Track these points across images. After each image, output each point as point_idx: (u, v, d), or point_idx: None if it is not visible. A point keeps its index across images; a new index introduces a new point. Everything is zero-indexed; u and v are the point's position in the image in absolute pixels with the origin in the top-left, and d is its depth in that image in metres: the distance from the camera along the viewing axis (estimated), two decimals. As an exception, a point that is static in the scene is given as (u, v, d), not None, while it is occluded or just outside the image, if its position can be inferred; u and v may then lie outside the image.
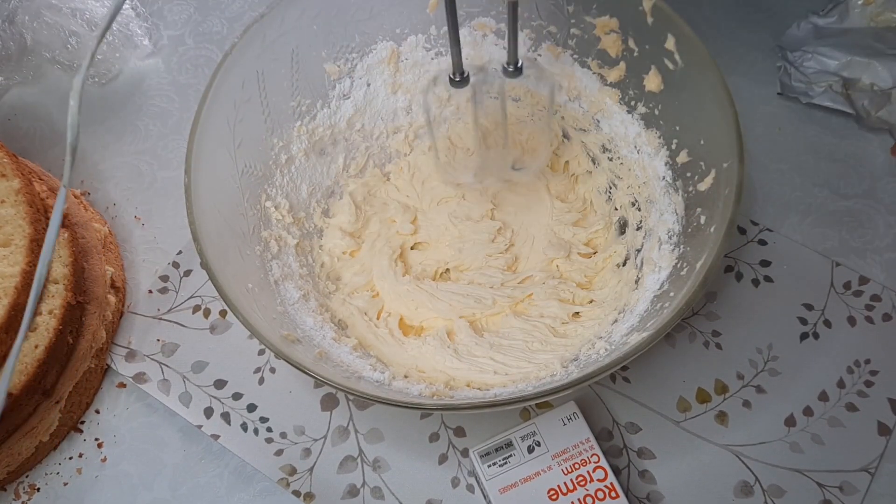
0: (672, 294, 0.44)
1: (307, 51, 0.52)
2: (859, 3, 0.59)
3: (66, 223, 0.52)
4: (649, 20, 0.46)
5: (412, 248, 0.56)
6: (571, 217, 0.56)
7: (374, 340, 0.51)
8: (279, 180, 0.53)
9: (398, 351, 0.51)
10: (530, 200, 0.57)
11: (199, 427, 0.51)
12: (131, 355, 0.54)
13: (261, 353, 0.54)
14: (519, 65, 0.47)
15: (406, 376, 0.49)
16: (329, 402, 0.52)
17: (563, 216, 0.56)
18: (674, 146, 0.49)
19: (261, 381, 0.53)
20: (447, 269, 0.55)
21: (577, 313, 0.52)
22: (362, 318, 0.52)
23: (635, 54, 0.49)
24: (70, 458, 0.51)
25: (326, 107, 0.55)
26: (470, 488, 0.49)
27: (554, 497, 0.45)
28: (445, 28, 0.54)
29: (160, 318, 0.55)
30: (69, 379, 0.50)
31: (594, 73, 0.53)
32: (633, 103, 0.51)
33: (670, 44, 0.46)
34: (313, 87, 0.53)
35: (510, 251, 0.55)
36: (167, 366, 0.53)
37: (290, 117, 0.53)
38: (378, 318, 0.53)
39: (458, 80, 0.47)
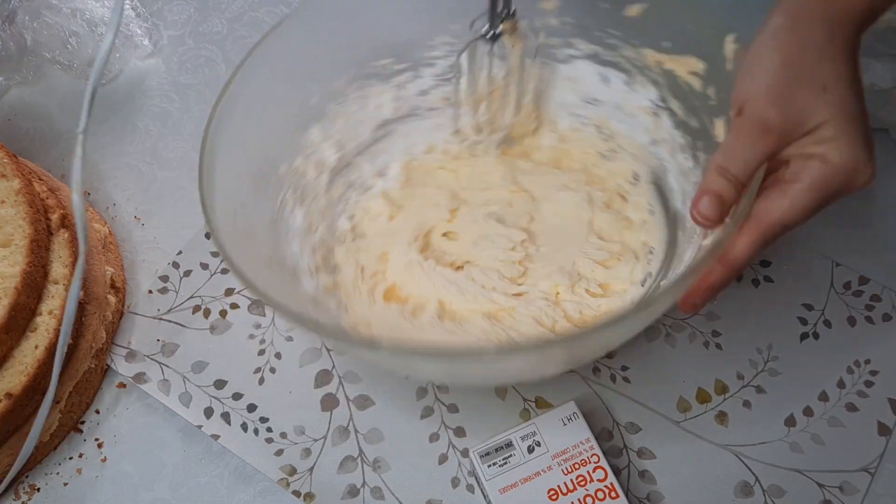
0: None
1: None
2: (859, 3, 0.59)
3: (65, 223, 0.52)
4: (729, 67, 0.44)
5: (443, 236, 0.56)
6: (601, 255, 0.53)
7: (351, 290, 0.52)
8: (338, 122, 0.54)
9: (366, 306, 0.51)
10: (569, 226, 0.55)
11: (199, 427, 0.51)
12: (131, 355, 0.54)
13: (261, 353, 0.54)
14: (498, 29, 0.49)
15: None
16: (329, 403, 0.52)
17: (593, 252, 0.53)
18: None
19: (261, 381, 0.53)
20: (466, 263, 0.54)
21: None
22: (356, 269, 0.53)
23: (711, 102, 0.47)
24: (70, 459, 0.51)
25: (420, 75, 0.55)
26: (470, 488, 0.49)
27: (554, 497, 0.45)
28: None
29: (160, 319, 0.55)
30: (69, 379, 0.50)
31: (674, 118, 0.51)
32: (699, 156, 0.49)
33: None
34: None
35: (522, 263, 0.54)
36: (167, 366, 0.53)
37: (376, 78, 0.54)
38: (369, 276, 0.53)
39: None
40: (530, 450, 0.46)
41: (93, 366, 0.52)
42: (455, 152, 0.58)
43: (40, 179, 0.55)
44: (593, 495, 0.45)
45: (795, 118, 0.37)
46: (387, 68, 0.54)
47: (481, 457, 0.46)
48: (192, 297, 0.56)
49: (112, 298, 0.54)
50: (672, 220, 0.53)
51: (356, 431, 0.51)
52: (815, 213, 0.39)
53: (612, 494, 0.45)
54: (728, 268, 0.39)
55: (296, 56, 0.49)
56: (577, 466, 0.46)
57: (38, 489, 0.50)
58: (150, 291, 0.56)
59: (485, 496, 0.47)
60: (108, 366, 0.54)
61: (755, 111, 0.38)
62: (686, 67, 0.48)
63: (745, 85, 0.39)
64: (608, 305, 0.51)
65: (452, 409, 0.51)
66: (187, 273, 0.57)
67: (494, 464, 0.46)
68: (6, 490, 0.50)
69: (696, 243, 0.47)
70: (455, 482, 0.49)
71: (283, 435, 0.51)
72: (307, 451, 0.50)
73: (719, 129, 0.47)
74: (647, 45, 0.50)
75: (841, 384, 0.51)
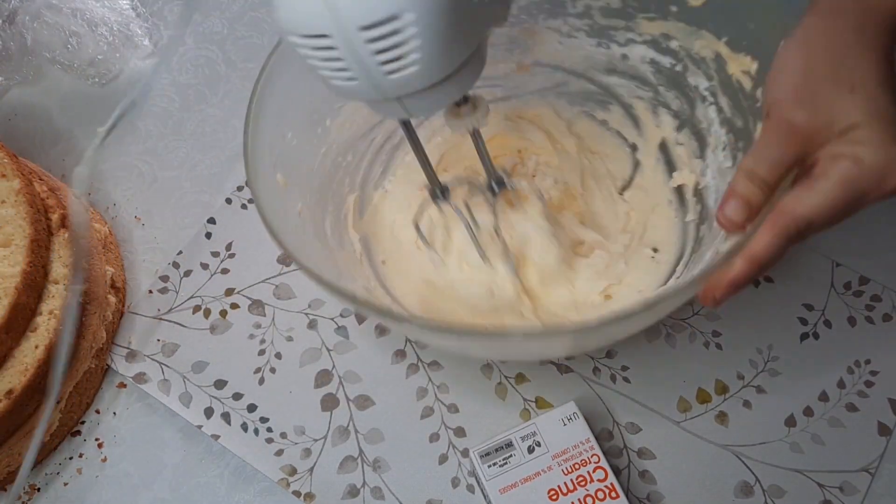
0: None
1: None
2: (859, 3, 0.59)
3: (66, 223, 0.52)
4: None
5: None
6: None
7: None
8: None
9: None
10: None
11: (200, 427, 0.51)
12: (131, 355, 0.54)
13: (261, 353, 0.54)
14: (501, 181, 0.49)
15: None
16: (329, 403, 0.52)
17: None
18: None
19: (261, 381, 0.53)
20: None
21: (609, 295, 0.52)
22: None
23: (758, 104, 0.47)
24: (70, 459, 0.51)
25: None
26: (470, 488, 0.49)
27: (554, 497, 0.45)
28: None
29: (160, 319, 0.55)
30: (69, 379, 0.50)
31: (720, 114, 0.51)
32: (738, 156, 0.49)
33: None
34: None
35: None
36: (167, 366, 0.53)
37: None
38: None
39: (437, 195, 0.49)
40: (530, 450, 0.46)
41: (93, 366, 0.52)
42: None
43: (40, 179, 0.55)
44: (593, 495, 0.45)
45: (823, 119, 0.36)
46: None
47: (481, 457, 0.46)
48: (192, 297, 0.56)
49: (112, 298, 0.54)
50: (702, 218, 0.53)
51: (356, 431, 0.51)
52: (842, 216, 0.37)
53: (613, 494, 0.45)
54: (749, 263, 0.37)
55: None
56: (577, 466, 0.46)
57: (38, 489, 0.50)
58: (151, 291, 0.56)
59: (485, 496, 0.47)
60: (108, 366, 0.54)
61: (782, 113, 0.37)
62: (739, 66, 0.47)
63: (773, 86, 0.38)
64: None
65: (452, 409, 0.51)
66: (187, 273, 0.57)
67: (494, 464, 0.46)
68: (6, 490, 0.50)
69: (715, 246, 0.48)
70: (455, 482, 0.49)
71: (283, 435, 0.51)
72: (307, 451, 0.50)
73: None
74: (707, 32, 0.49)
75: (841, 384, 0.51)
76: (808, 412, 0.50)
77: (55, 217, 0.52)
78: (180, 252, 0.58)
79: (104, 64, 0.65)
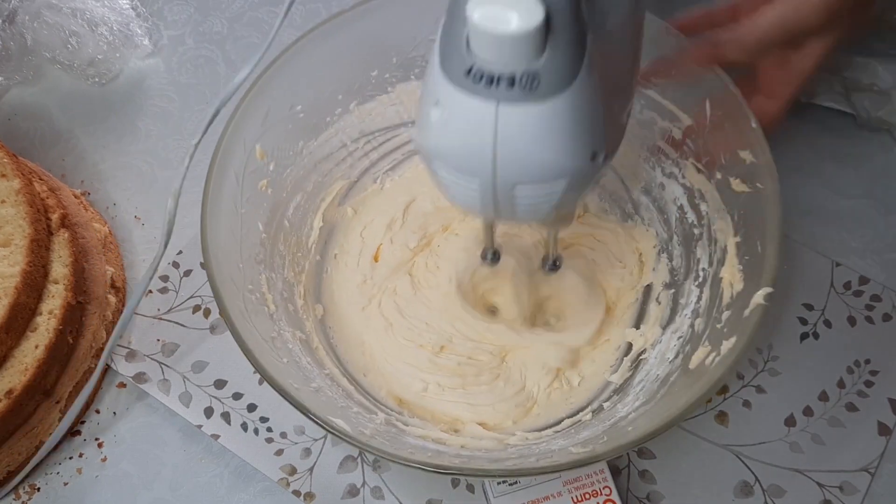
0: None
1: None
2: (859, 3, 0.59)
3: (66, 223, 0.52)
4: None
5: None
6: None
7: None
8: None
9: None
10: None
11: (199, 427, 0.51)
12: (131, 355, 0.54)
13: (261, 353, 0.54)
14: (556, 262, 0.48)
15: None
16: (329, 402, 0.52)
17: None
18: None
19: (261, 381, 0.53)
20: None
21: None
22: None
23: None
24: (70, 458, 0.51)
25: None
26: (470, 488, 0.49)
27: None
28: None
29: (160, 318, 0.55)
30: (69, 379, 0.50)
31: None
32: (680, 355, 0.47)
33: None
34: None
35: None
36: (167, 366, 0.53)
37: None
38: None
39: (489, 258, 0.48)
40: None
41: (93, 366, 0.52)
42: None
43: (40, 179, 0.55)
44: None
45: None
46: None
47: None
48: (192, 296, 0.56)
49: (112, 298, 0.54)
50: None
51: (356, 431, 0.51)
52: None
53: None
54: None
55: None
56: (587, 496, 0.45)
57: (38, 489, 0.50)
58: (150, 291, 0.56)
59: (485, 496, 0.47)
60: (109, 366, 0.54)
61: None
62: (731, 273, 0.45)
63: None
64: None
65: (452, 408, 0.51)
66: (187, 273, 0.57)
67: (504, 482, 0.45)
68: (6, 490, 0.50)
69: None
70: (455, 482, 0.49)
71: (283, 435, 0.51)
72: (307, 451, 0.50)
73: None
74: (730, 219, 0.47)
75: (841, 384, 0.51)
76: (807, 412, 0.50)
77: (55, 217, 0.52)
78: (180, 252, 0.57)
79: (104, 64, 0.65)
